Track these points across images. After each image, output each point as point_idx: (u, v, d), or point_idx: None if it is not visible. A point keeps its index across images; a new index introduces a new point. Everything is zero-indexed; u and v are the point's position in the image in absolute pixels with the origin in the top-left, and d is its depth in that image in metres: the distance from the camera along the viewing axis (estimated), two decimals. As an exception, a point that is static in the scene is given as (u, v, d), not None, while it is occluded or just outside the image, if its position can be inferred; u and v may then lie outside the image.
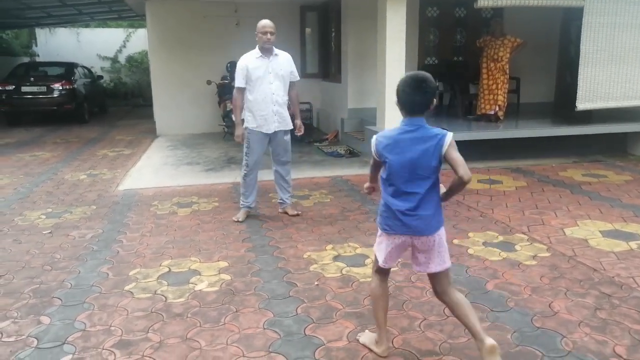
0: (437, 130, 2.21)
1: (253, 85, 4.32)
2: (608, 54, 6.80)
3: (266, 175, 6.22)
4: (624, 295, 3.03)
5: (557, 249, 3.80)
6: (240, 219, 4.50)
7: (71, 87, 12.05)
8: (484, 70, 7.36)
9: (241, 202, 4.65)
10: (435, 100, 2.25)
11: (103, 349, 2.53)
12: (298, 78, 4.60)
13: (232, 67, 9.14)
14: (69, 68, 12.98)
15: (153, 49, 10.07)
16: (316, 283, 3.26)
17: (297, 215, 4.66)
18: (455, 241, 3.98)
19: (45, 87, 11.84)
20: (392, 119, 6.85)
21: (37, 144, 9.39)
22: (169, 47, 9.88)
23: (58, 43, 18.31)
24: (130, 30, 18.82)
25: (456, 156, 2.16)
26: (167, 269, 3.52)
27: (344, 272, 3.43)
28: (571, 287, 3.15)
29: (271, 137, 4.49)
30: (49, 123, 12.16)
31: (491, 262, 3.56)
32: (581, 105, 6.88)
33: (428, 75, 2.22)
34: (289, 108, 4.61)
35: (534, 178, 6.03)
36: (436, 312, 2.85)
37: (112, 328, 2.72)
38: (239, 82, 4.34)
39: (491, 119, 7.45)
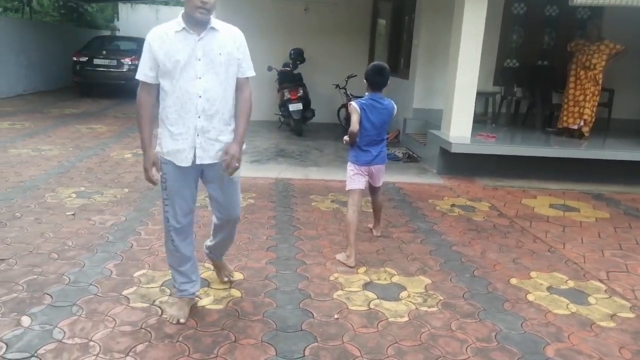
0: (388, 101, 3.53)
1: (168, 79, 2.43)
2: None
3: (299, 172, 5.74)
4: None
5: (644, 308, 3.06)
6: (182, 320, 2.59)
7: (140, 62, 12.17)
8: (572, 79, 6.44)
9: (176, 289, 2.71)
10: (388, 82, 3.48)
11: (71, 371, 2.18)
12: (253, 74, 2.59)
13: (295, 54, 8.72)
14: (141, 44, 13.10)
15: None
16: (336, 316, 2.76)
17: (230, 281, 3.08)
18: (513, 281, 3.33)
19: (115, 61, 12.07)
20: (459, 125, 6.15)
21: (99, 116, 9.49)
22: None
23: (138, 19, 18.84)
24: (207, 10, 18.99)
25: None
26: (175, 274, 3.15)
27: (372, 305, 2.90)
28: (660, 368, 2.45)
29: (203, 172, 2.60)
30: (118, 97, 12.38)
31: (555, 317, 2.89)
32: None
33: (386, 65, 3.50)
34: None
35: (620, 209, 5.15)
36: (476, 379, 2.27)
37: (91, 343, 2.37)
38: (141, 73, 2.46)
39: (574, 135, 6.53)
